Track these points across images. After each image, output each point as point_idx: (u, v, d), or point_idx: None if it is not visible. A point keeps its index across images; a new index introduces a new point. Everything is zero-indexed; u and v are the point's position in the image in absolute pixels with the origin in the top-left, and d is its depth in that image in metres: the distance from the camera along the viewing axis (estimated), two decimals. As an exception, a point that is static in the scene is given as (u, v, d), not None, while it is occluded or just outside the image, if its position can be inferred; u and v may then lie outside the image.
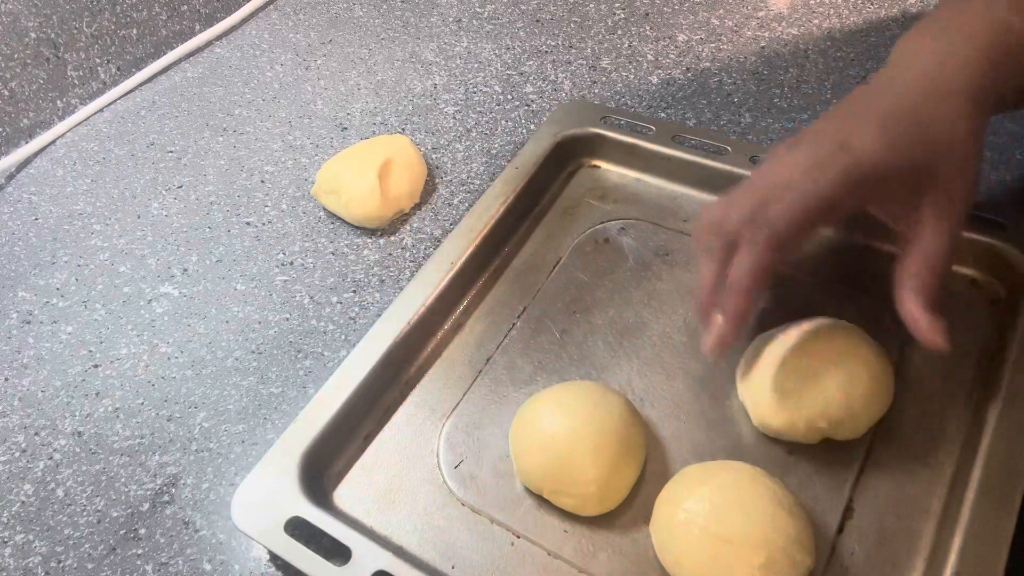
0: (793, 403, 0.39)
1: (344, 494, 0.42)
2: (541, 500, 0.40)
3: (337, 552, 0.38)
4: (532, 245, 0.53)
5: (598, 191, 0.55)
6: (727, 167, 0.51)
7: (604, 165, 0.56)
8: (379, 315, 0.50)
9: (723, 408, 0.43)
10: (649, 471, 0.41)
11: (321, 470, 0.43)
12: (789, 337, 0.41)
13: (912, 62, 0.37)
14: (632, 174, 0.55)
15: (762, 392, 0.40)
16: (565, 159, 0.56)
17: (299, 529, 0.39)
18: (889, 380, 0.40)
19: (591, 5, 0.72)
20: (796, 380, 0.40)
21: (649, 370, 0.45)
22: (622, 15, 0.70)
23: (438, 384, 0.46)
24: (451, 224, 0.55)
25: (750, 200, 0.37)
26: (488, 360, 0.47)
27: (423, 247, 0.54)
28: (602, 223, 0.53)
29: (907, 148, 0.35)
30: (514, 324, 0.48)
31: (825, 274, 0.47)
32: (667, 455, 0.42)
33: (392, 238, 0.55)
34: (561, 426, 0.40)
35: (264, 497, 0.40)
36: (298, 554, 0.38)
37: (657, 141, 0.54)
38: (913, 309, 0.35)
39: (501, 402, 0.45)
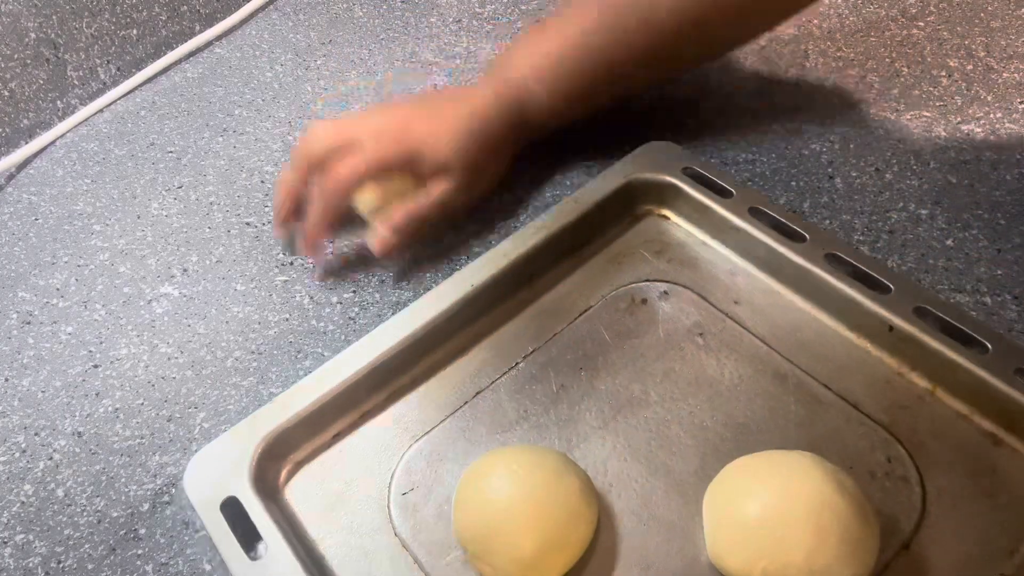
0: (752, 549, 0.35)
1: (297, 486, 0.43)
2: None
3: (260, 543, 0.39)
4: (566, 286, 0.49)
5: (657, 244, 0.51)
6: (797, 258, 0.46)
7: (674, 218, 0.52)
8: (379, 315, 0.51)
9: (691, 523, 0.39)
10: (588, 564, 0.38)
11: (282, 456, 0.43)
12: (763, 470, 0.38)
13: (469, 91, 0.53)
14: (699, 235, 0.51)
15: (721, 526, 0.37)
16: (633, 203, 0.52)
17: (236, 510, 0.40)
18: (868, 540, 0.35)
19: (591, 5, 0.72)
20: (759, 524, 0.35)
21: (631, 456, 0.42)
22: (622, 15, 0.70)
23: (422, 402, 0.45)
24: (451, 225, 0.55)
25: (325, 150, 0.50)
26: (477, 394, 0.45)
27: (423, 247, 0.54)
28: (646, 281, 0.49)
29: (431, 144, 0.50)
30: (517, 364, 0.46)
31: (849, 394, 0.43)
32: (614, 553, 0.39)
33: (392, 238, 0.55)
34: (501, 492, 0.37)
35: (215, 469, 0.41)
36: (221, 534, 0.39)
37: (733, 208, 0.49)
38: (380, 229, 0.51)
39: (472, 442, 0.43)
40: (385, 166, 0.50)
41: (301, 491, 0.43)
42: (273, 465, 0.42)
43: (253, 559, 0.38)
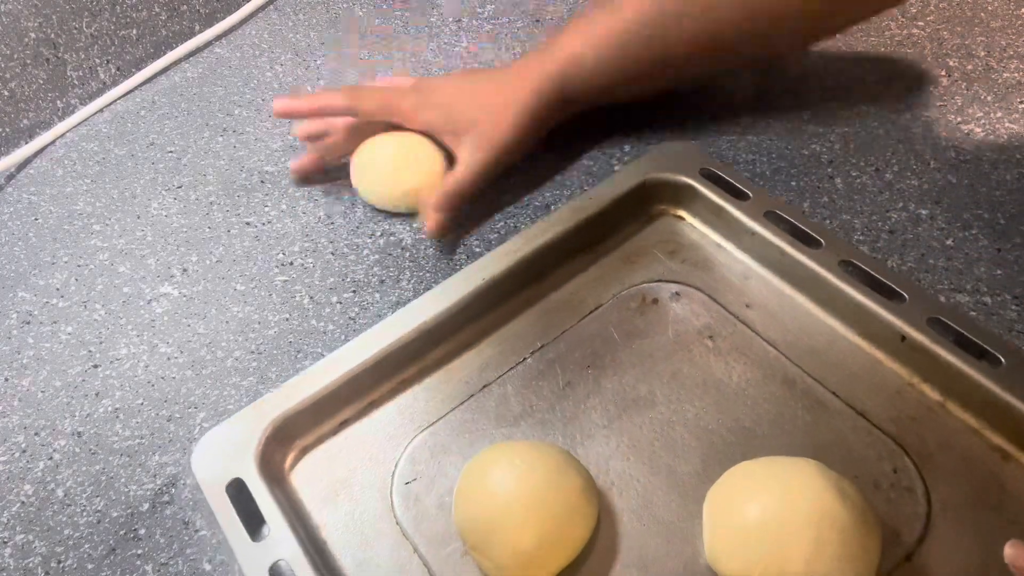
0: (750, 553, 0.35)
1: (302, 471, 0.43)
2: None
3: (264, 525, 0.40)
4: (577, 283, 0.50)
5: (671, 244, 0.51)
6: (812, 264, 0.46)
7: (689, 219, 0.52)
8: (379, 315, 0.51)
9: (690, 525, 0.39)
10: (587, 561, 0.38)
11: (289, 441, 0.43)
12: (764, 476, 0.38)
13: (514, 76, 0.55)
14: (714, 237, 0.51)
15: (720, 529, 0.37)
16: (648, 202, 0.52)
17: (241, 491, 0.40)
18: (868, 550, 0.35)
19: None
20: (758, 528, 0.35)
21: (634, 455, 0.42)
22: (622, 15, 0.70)
23: (428, 394, 0.46)
24: (452, 225, 0.55)
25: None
26: (484, 387, 0.45)
27: (423, 247, 0.54)
28: (658, 281, 0.49)
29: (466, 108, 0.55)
30: (524, 359, 0.46)
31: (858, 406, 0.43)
32: (613, 551, 0.39)
33: (392, 238, 0.55)
34: (502, 487, 0.37)
35: (222, 450, 0.42)
36: (226, 515, 0.39)
37: (749, 211, 0.49)
38: (428, 211, 0.53)
39: (476, 435, 0.44)
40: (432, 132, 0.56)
41: (306, 476, 0.43)
42: (280, 449, 0.43)
43: (256, 540, 0.38)
